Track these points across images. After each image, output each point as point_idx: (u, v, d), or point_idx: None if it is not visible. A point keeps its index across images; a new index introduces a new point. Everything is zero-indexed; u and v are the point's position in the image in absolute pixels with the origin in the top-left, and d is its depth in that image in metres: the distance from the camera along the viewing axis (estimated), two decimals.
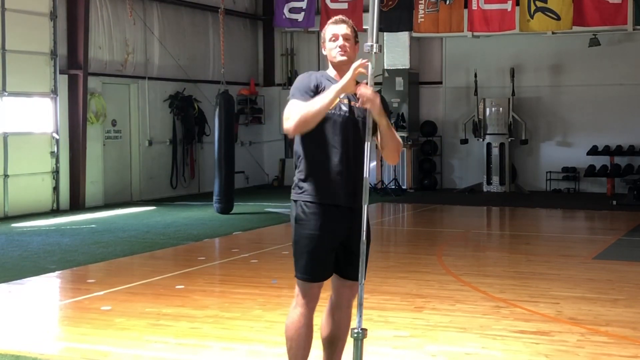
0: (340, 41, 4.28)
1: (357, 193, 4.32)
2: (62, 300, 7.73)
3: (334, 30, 4.32)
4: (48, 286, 8.37)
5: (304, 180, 4.29)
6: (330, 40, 4.32)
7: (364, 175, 4.22)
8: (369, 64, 4.15)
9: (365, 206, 4.17)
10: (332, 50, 4.31)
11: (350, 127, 4.24)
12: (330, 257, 4.32)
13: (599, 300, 7.21)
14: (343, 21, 4.37)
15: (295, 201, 4.31)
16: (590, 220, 14.31)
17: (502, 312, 6.75)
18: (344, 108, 4.25)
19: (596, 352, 5.59)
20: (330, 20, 4.41)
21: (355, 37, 4.35)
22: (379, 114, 4.16)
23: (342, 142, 4.22)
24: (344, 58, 4.28)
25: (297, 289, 4.35)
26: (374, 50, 4.17)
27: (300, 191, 4.29)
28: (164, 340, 5.99)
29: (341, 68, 4.28)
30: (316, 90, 4.22)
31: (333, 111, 4.21)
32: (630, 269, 8.90)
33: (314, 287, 4.31)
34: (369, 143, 4.17)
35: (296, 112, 4.13)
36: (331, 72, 4.36)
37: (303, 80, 4.30)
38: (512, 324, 6.34)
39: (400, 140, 4.39)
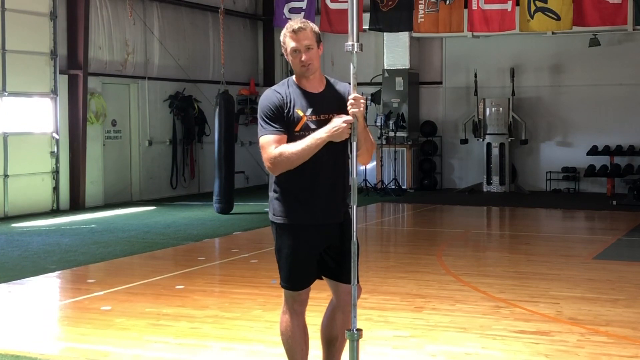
0: (304, 56, 4.12)
1: (337, 207, 4.28)
2: (62, 300, 7.73)
3: (294, 45, 4.13)
4: (48, 286, 8.37)
5: (279, 200, 4.24)
6: (291, 54, 4.15)
7: (352, 176, 4.16)
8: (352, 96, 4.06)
9: (355, 207, 4.14)
10: (295, 64, 4.16)
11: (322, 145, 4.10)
12: (312, 266, 4.31)
13: (599, 300, 7.21)
14: (302, 29, 4.14)
15: (274, 215, 4.27)
16: (590, 220, 14.30)
17: (502, 312, 6.75)
18: (313, 126, 4.14)
19: (596, 352, 5.59)
20: (288, 30, 4.16)
21: (318, 39, 4.19)
22: (361, 116, 4.11)
23: (315, 162, 4.10)
24: (310, 73, 4.17)
25: (284, 295, 4.37)
26: (355, 49, 4.09)
27: (277, 210, 4.24)
28: (164, 340, 6.00)
29: (306, 76, 4.19)
30: (282, 112, 4.12)
31: (301, 132, 4.12)
32: (630, 269, 8.91)
33: (300, 294, 4.32)
34: (355, 143, 4.10)
35: (279, 158, 4.03)
36: (296, 77, 4.24)
37: (267, 104, 4.15)
38: (512, 324, 6.34)
39: (374, 141, 4.34)
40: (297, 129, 4.13)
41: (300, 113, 4.15)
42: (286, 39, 4.18)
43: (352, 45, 4.09)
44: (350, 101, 4.06)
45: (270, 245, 10.90)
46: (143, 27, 16.33)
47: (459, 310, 6.83)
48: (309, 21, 4.26)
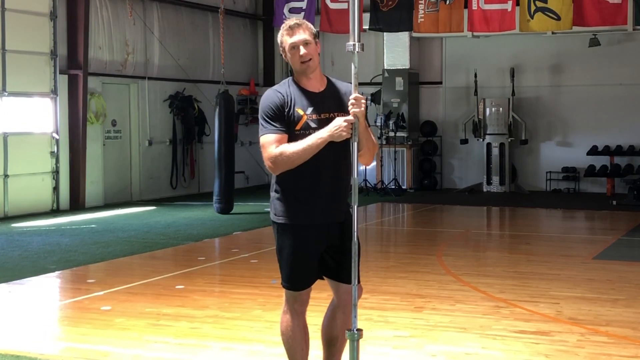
0: (302, 50, 4.14)
1: (338, 207, 4.28)
2: (62, 300, 7.73)
3: (292, 41, 4.15)
4: (48, 286, 8.37)
5: (280, 200, 4.24)
6: (290, 51, 4.16)
7: (353, 176, 4.16)
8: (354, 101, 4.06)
9: (355, 207, 4.12)
10: (295, 61, 4.17)
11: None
12: (313, 266, 4.31)
13: (599, 300, 7.21)
14: (298, 26, 4.18)
15: (276, 215, 4.27)
16: (590, 220, 14.30)
17: (502, 312, 6.75)
18: (313, 125, 4.14)
19: (596, 352, 5.59)
20: (284, 28, 4.20)
21: (315, 36, 4.21)
22: (362, 116, 4.10)
23: (316, 161, 4.10)
24: (309, 68, 4.18)
25: (285, 295, 4.37)
26: (356, 49, 4.08)
27: (278, 210, 4.25)
28: (164, 340, 6.00)
29: (306, 74, 4.21)
30: (283, 111, 4.13)
31: (302, 131, 4.13)
32: (630, 269, 8.91)
33: (301, 294, 4.33)
34: (356, 143, 4.09)
35: (280, 158, 4.04)
36: (296, 76, 4.25)
37: (268, 104, 4.16)
38: (512, 324, 6.34)
39: (376, 142, 4.34)
40: (298, 128, 4.14)
41: (301, 112, 4.15)
42: (283, 37, 4.20)
43: (354, 45, 4.08)
44: (352, 101, 4.06)
45: (270, 245, 10.93)
46: (143, 27, 16.32)
47: (459, 310, 6.83)
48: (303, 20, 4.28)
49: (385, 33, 17.59)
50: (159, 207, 15.04)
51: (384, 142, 17.70)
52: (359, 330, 4.13)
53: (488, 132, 17.68)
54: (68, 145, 14.53)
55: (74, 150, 14.53)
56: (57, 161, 14.39)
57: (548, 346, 5.74)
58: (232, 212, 13.87)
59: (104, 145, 15.46)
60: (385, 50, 18.13)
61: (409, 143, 18.05)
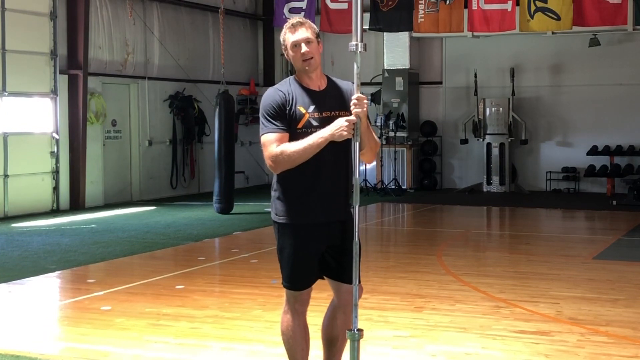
0: (304, 48, 4.14)
1: (339, 207, 4.27)
2: (62, 300, 7.74)
3: (294, 38, 4.16)
4: (48, 286, 8.37)
5: (280, 200, 4.24)
6: (292, 49, 4.17)
7: (354, 176, 4.16)
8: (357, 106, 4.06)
9: (357, 207, 4.13)
10: (296, 59, 4.17)
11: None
12: (314, 265, 4.31)
13: (599, 300, 7.21)
14: (301, 24, 4.19)
15: (277, 214, 4.27)
16: (590, 220, 14.30)
17: (502, 312, 6.75)
18: (315, 123, 4.14)
19: (596, 352, 5.59)
20: (287, 26, 4.20)
21: (317, 36, 4.21)
22: (364, 116, 4.10)
23: (316, 161, 4.10)
24: (311, 67, 4.18)
25: (285, 295, 4.37)
26: (359, 49, 4.09)
27: (279, 209, 4.25)
28: (164, 340, 6.00)
29: (308, 72, 4.20)
30: (284, 110, 4.13)
31: (304, 129, 4.13)
32: (630, 269, 8.91)
33: (302, 294, 4.33)
34: (357, 143, 4.10)
35: (280, 157, 4.04)
36: (298, 75, 4.25)
37: (269, 103, 4.16)
38: (512, 324, 6.35)
39: (378, 140, 4.33)
40: (300, 126, 4.14)
41: (302, 110, 4.16)
42: (285, 35, 4.21)
43: (357, 45, 4.09)
44: (354, 101, 4.07)
45: (270, 245, 10.91)
46: (143, 27, 16.33)
47: (459, 310, 6.83)
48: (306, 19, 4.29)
49: (385, 33, 17.59)
50: (159, 207, 15.04)
51: (384, 142, 17.70)
52: (360, 330, 4.13)
53: (488, 132, 17.68)
54: (68, 145, 14.53)
55: (74, 150, 14.54)
56: (57, 161, 14.39)
57: (548, 346, 5.74)
58: (232, 212, 13.87)
59: (104, 145, 15.46)
60: (385, 50, 18.14)
61: (409, 143, 18.05)
